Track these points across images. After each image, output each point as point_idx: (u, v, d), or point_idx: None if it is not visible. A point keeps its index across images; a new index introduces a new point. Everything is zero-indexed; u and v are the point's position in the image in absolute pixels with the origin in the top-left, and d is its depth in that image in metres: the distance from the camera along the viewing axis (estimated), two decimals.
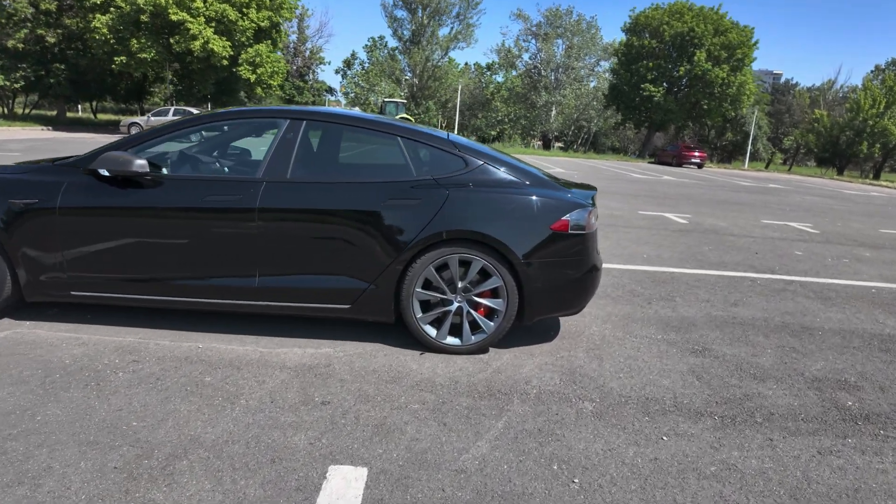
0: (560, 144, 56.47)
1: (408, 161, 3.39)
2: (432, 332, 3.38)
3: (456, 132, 47.34)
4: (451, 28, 55.06)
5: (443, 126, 55.15)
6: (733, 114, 44.21)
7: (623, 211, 10.88)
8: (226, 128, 3.79)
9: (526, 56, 55.29)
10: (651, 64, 41.49)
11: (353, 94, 58.22)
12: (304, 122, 3.42)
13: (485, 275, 3.34)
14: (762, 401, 3.08)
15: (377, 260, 3.26)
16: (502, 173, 3.42)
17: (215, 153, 3.89)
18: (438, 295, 3.34)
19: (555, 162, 29.35)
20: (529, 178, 3.46)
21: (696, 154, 35.04)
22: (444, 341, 3.37)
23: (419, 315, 3.35)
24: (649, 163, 38.15)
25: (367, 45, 60.99)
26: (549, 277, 3.32)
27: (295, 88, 54.48)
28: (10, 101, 35.70)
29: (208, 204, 3.24)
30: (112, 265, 3.30)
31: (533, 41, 54.37)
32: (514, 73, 57.71)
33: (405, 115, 36.41)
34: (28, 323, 3.48)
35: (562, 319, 4.13)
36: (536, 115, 53.61)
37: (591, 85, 54.95)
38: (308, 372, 3.05)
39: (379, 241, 3.24)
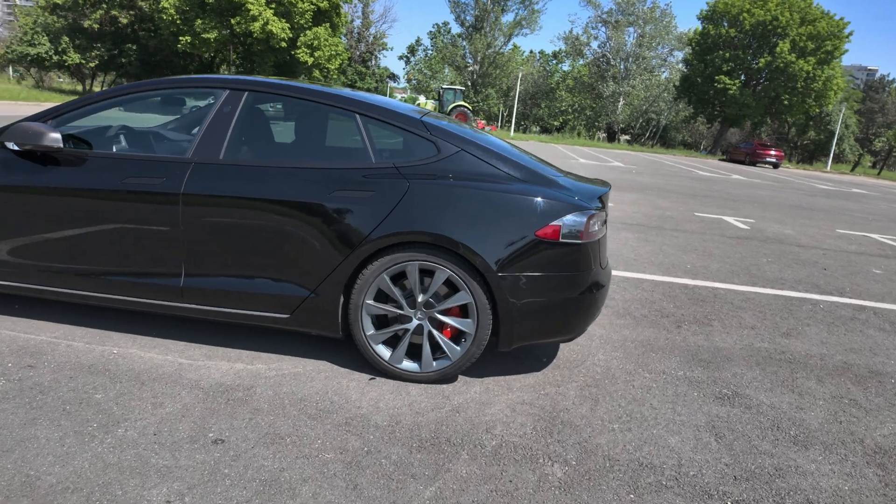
0: (626, 137, 54.15)
1: (366, 143, 2.78)
2: (385, 353, 2.78)
3: (514, 122, 46.37)
4: (516, 14, 53.56)
5: (504, 116, 54.08)
6: (817, 111, 40.84)
7: (676, 212, 9.85)
8: (159, 99, 3.29)
9: (594, 44, 53.19)
10: (727, 54, 38.81)
11: (415, 81, 58.04)
12: (246, 93, 2.86)
13: (453, 288, 2.70)
14: (799, 479, 2.30)
15: (319, 263, 2.69)
16: (482, 164, 2.75)
17: (149, 128, 3.42)
18: (394, 310, 2.73)
19: (613, 155, 27.90)
20: (519, 171, 2.77)
21: (773, 153, 32.52)
22: (398, 366, 2.77)
23: (370, 332, 2.75)
24: (720, 160, 35.82)
25: (431, 32, 60.44)
26: (532, 295, 2.65)
27: (357, 74, 54.68)
28: (90, 81, 37.49)
29: (128, 187, 2.75)
30: (25, 253, 2.88)
31: (602, 29, 52.18)
32: (580, 61, 55.70)
33: (462, 103, 35.77)
34: None
35: (561, 343, 3.43)
36: (602, 105, 51.58)
37: (663, 76, 52.26)
38: (221, 395, 2.52)
39: (321, 241, 2.66)
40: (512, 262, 2.60)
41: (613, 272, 5.24)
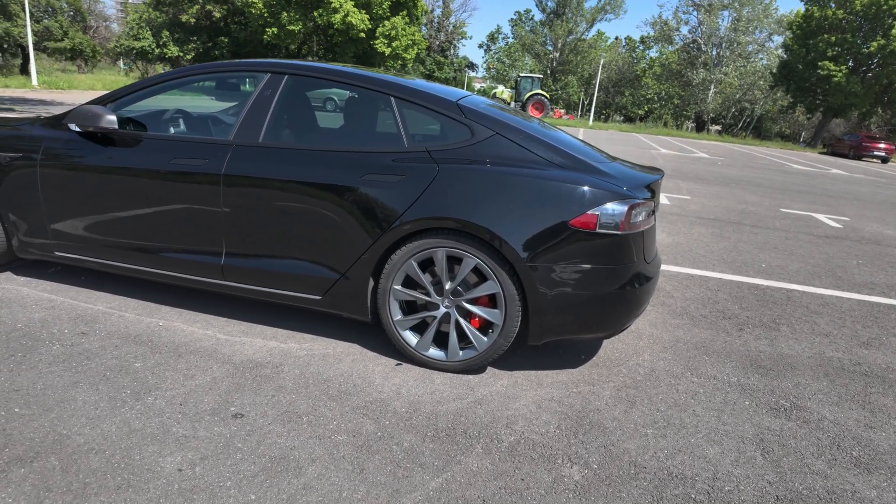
0: (717, 128, 51.14)
1: (399, 127, 2.73)
2: (412, 339, 2.74)
3: (594, 110, 44.95)
4: None
5: (584, 104, 52.61)
6: None
7: (760, 207, 9.16)
8: (208, 83, 3.39)
9: (684, 29, 50.62)
10: (833, 38, 35.55)
11: (493, 71, 57.60)
12: (286, 76, 2.89)
13: (481, 277, 2.62)
14: None
15: (349, 247, 2.68)
16: (518, 148, 2.64)
17: (204, 112, 3.53)
18: (422, 296, 2.69)
19: (699, 146, 26.39)
20: (557, 156, 2.63)
21: (881, 146, 29.53)
22: (425, 353, 2.72)
23: (397, 318, 2.72)
24: (820, 153, 33.05)
25: (512, 19, 59.59)
26: (565, 287, 2.52)
27: (435, 63, 54.98)
28: None
29: (174, 167, 2.86)
30: (86, 227, 3.08)
31: (694, 13, 49.40)
32: (669, 48, 53.07)
33: (539, 91, 35.13)
34: (22, 279, 3.41)
35: (606, 339, 3.26)
36: (691, 94, 48.96)
37: (760, 62, 48.79)
38: (250, 371, 2.59)
39: (351, 225, 2.65)
40: (543, 252, 2.48)
41: (676, 268, 4.94)
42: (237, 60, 3.12)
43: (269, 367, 2.64)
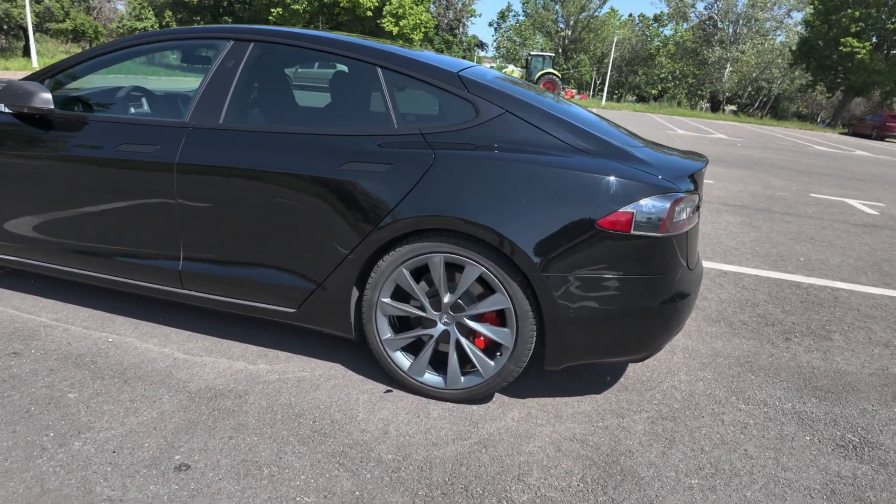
0: (732, 108, 49.82)
1: (388, 104, 2.24)
2: (404, 362, 2.28)
3: (606, 90, 43.85)
4: None
5: (596, 83, 51.48)
6: None
7: (788, 192, 8.57)
8: (160, 53, 2.90)
9: (700, 6, 49.13)
10: (857, 13, 34.19)
11: (504, 50, 56.46)
12: (251, 44, 2.40)
13: (487, 288, 2.14)
14: None
15: (326, 252, 2.21)
16: (533, 129, 2.14)
17: (167, 90, 3.05)
18: (415, 311, 2.22)
19: (716, 126, 25.53)
20: (582, 140, 2.13)
21: None
22: (418, 378, 2.26)
23: (386, 336, 2.26)
24: (840, 134, 31.99)
25: None
26: (590, 302, 2.04)
27: (444, 42, 53.86)
28: None
29: (121, 155, 2.40)
30: (23, 226, 2.63)
31: None
32: (684, 25, 51.58)
33: (551, 70, 34.16)
34: None
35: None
36: (706, 73, 47.65)
37: (778, 40, 47.28)
38: (207, 403, 2.14)
39: (329, 225, 2.18)
40: (564, 259, 1.99)
41: (706, 264, 4.43)
42: (197, 26, 2.63)
43: (232, 396, 2.19)
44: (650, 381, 2.60)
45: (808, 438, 2.27)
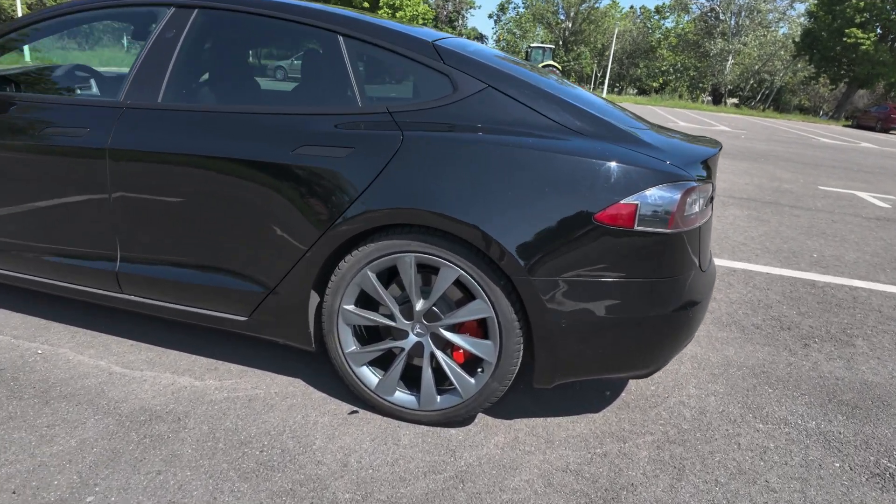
0: (734, 100, 49.32)
1: (350, 78, 1.92)
2: (371, 379, 1.97)
3: (607, 82, 43.39)
4: None
5: (597, 76, 50.99)
6: None
7: (796, 184, 8.23)
8: (93, 24, 2.57)
9: None
10: (862, 4, 33.69)
11: (504, 42, 55.94)
12: (195, 11, 2.07)
13: (467, 294, 1.83)
14: None
15: (280, 251, 1.90)
16: (520, 107, 1.81)
17: (109, 70, 2.73)
18: (382, 320, 1.91)
19: (719, 118, 25.12)
20: (577, 119, 1.81)
21: None
22: (388, 398, 1.95)
23: (350, 349, 1.95)
24: (844, 126, 31.57)
25: None
26: (586, 310, 1.72)
27: None
28: None
29: (47, 140, 2.08)
30: None
31: None
32: (686, 17, 51.02)
33: (552, 62, 33.73)
34: None
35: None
36: (708, 65, 47.14)
37: (781, 31, 46.73)
38: (139, 428, 1.83)
39: (280, 220, 1.87)
40: (554, 260, 1.68)
41: (715, 260, 4.10)
42: None
43: (168, 419, 1.88)
44: (655, 396, 2.29)
45: (838, 465, 1.96)
